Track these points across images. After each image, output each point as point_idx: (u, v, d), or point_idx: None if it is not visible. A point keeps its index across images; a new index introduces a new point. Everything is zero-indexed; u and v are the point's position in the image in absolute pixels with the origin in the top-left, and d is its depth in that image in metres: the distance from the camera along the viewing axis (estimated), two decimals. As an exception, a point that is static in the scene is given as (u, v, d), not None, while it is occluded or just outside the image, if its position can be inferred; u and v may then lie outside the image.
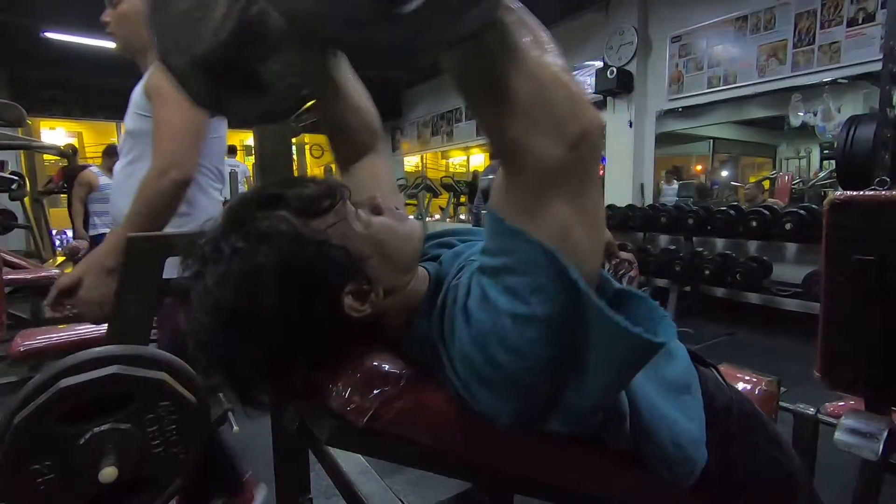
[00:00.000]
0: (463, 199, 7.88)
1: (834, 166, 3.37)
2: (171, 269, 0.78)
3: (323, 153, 10.03)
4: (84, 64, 7.05)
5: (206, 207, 1.27)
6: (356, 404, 0.51)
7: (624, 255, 1.37)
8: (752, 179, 6.44)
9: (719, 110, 4.75)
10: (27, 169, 5.21)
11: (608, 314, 0.44)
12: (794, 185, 4.78)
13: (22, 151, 5.27)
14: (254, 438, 0.81)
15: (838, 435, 0.96)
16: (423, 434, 0.55)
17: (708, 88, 4.39)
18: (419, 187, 7.32)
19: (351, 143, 0.79)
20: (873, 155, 2.36)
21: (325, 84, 0.69)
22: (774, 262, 3.89)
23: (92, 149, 8.86)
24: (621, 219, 4.57)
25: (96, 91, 8.23)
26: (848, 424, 0.95)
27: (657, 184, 5.05)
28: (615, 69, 4.71)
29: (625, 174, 4.89)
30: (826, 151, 4.52)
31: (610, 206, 4.68)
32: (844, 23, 3.55)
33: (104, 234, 3.27)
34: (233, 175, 4.63)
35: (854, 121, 2.76)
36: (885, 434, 0.92)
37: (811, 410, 1.20)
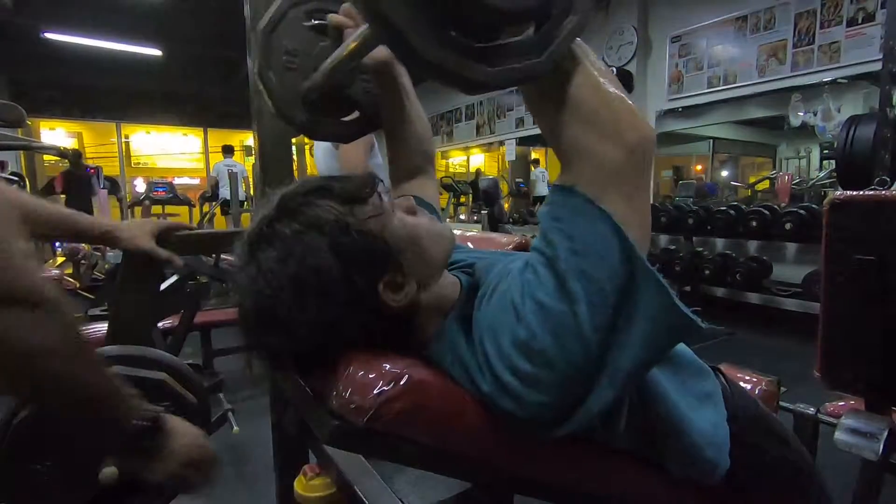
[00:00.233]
0: (463, 199, 7.88)
1: (834, 166, 3.37)
2: None
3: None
4: (84, 64, 7.06)
5: None
6: (356, 404, 0.51)
7: None
8: (752, 179, 6.45)
9: (719, 110, 4.75)
10: (27, 170, 5.21)
11: (661, 281, 0.47)
12: (794, 184, 4.78)
13: (22, 152, 5.27)
14: (254, 438, 0.81)
15: (838, 435, 0.96)
16: (423, 434, 0.55)
17: (708, 88, 4.39)
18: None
19: (407, 162, 0.92)
20: (873, 155, 2.36)
21: (396, 88, 0.85)
22: (774, 262, 3.89)
23: (92, 149, 8.87)
24: (621, 219, 4.55)
25: (96, 91, 8.25)
26: (848, 424, 0.95)
27: (656, 184, 5.05)
28: (615, 69, 4.72)
29: (625, 174, 4.89)
30: (826, 151, 4.52)
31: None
32: (844, 23, 3.55)
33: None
34: (232, 176, 4.65)
35: (854, 121, 2.76)
36: (886, 434, 0.92)
37: (811, 410, 1.20)
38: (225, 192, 6.15)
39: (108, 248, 3.49)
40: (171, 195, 6.38)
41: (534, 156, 8.78)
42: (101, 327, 1.20)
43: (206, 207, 7.07)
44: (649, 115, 4.81)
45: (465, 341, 0.57)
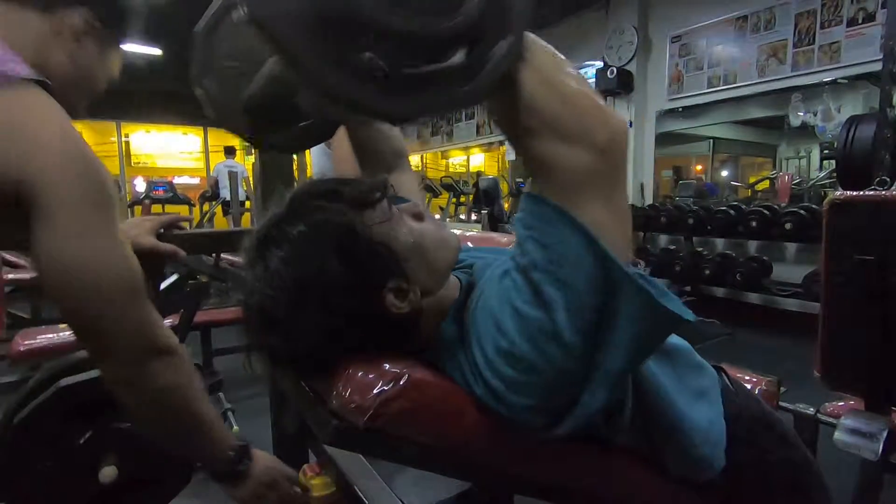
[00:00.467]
0: (463, 199, 7.88)
1: (834, 166, 3.37)
2: None
3: (323, 153, 10.02)
4: (84, 64, 7.04)
5: None
6: (356, 404, 0.51)
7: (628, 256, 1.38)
8: (752, 179, 6.45)
9: (719, 110, 4.75)
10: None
11: (641, 284, 0.46)
12: (794, 184, 4.78)
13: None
14: (253, 438, 0.81)
15: (838, 435, 0.96)
16: (423, 434, 0.55)
17: (708, 88, 4.39)
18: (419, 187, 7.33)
19: (376, 165, 0.89)
20: (873, 155, 2.36)
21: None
22: (774, 262, 3.89)
23: (92, 148, 8.83)
24: (621, 219, 4.55)
25: (96, 91, 8.23)
26: (848, 424, 0.95)
27: (656, 184, 5.05)
28: (615, 69, 4.71)
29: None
30: (826, 151, 4.51)
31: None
32: (844, 23, 3.55)
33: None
34: (232, 176, 4.65)
35: (854, 121, 2.76)
36: (885, 434, 0.92)
37: (811, 410, 1.20)
38: (225, 193, 6.15)
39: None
40: (171, 195, 6.38)
41: (534, 155, 8.76)
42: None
43: (206, 207, 7.07)
44: (649, 115, 4.81)
45: (461, 343, 0.57)
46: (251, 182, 6.45)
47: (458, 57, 0.39)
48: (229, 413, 1.83)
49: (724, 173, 7.11)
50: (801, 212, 3.49)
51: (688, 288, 4.18)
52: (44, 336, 1.92)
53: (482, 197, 5.68)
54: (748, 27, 4.09)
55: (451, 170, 9.99)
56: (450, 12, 0.37)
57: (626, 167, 0.49)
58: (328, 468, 0.99)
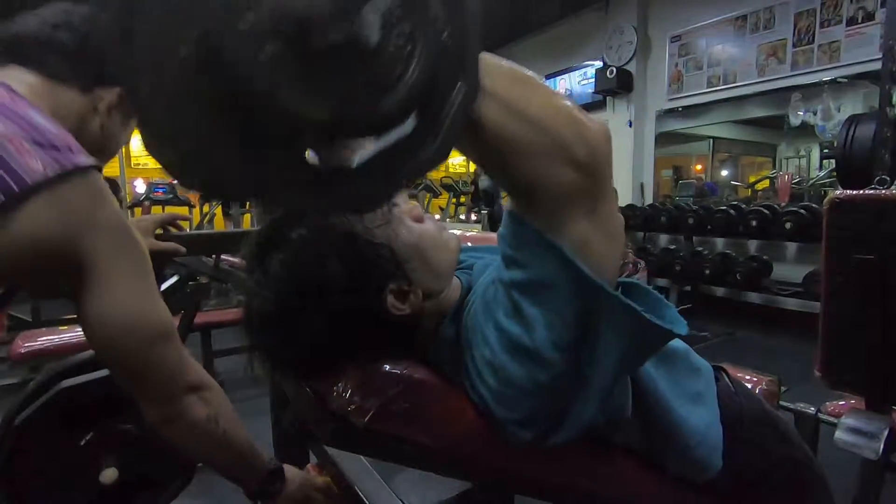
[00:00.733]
0: (463, 199, 7.88)
1: (834, 166, 3.37)
2: None
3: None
4: (84, 65, 7.04)
5: None
6: (357, 405, 0.51)
7: (630, 256, 1.38)
8: (752, 179, 6.44)
9: (719, 110, 4.74)
10: (27, 170, 5.20)
11: (626, 303, 0.45)
12: (794, 184, 4.77)
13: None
14: (254, 439, 0.82)
15: (839, 434, 0.96)
16: (423, 434, 0.55)
17: (708, 88, 4.39)
18: (419, 187, 7.32)
19: None
20: (873, 154, 2.36)
21: None
22: (774, 262, 3.89)
23: (92, 150, 8.85)
24: (621, 218, 4.56)
25: (96, 92, 8.23)
26: (848, 424, 0.95)
27: (656, 183, 5.05)
28: (615, 69, 4.70)
29: (624, 174, 4.89)
30: (826, 151, 4.51)
31: (610, 206, 4.67)
32: (844, 22, 3.55)
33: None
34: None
35: (854, 120, 2.75)
36: (886, 433, 0.92)
37: (811, 410, 1.20)
38: (225, 193, 6.13)
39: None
40: (171, 196, 6.37)
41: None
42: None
43: (206, 208, 7.06)
44: (649, 114, 4.81)
45: (459, 344, 0.58)
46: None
47: (409, 123, 0.33)
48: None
49: (724, 173, 7.10)
50: (802, 211, 3.49)
51: (688, 288, 4.18)
52: (44, 338, 1.92)
53: (482, 197, 5.68)
54: (748, 27, 4.08)
55: (450, 170, 9.98)
56: (389, 88, 0.30)
57: (611, 176, 0.46)
58: (328, 468, 0.99)
